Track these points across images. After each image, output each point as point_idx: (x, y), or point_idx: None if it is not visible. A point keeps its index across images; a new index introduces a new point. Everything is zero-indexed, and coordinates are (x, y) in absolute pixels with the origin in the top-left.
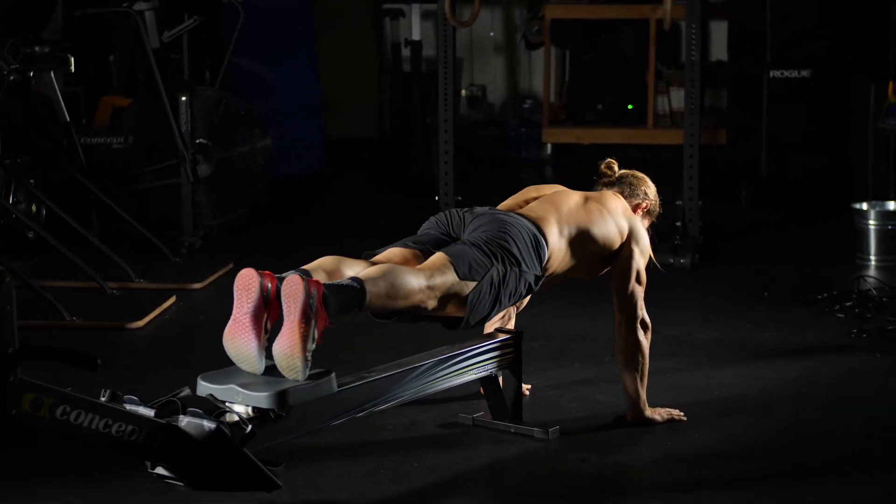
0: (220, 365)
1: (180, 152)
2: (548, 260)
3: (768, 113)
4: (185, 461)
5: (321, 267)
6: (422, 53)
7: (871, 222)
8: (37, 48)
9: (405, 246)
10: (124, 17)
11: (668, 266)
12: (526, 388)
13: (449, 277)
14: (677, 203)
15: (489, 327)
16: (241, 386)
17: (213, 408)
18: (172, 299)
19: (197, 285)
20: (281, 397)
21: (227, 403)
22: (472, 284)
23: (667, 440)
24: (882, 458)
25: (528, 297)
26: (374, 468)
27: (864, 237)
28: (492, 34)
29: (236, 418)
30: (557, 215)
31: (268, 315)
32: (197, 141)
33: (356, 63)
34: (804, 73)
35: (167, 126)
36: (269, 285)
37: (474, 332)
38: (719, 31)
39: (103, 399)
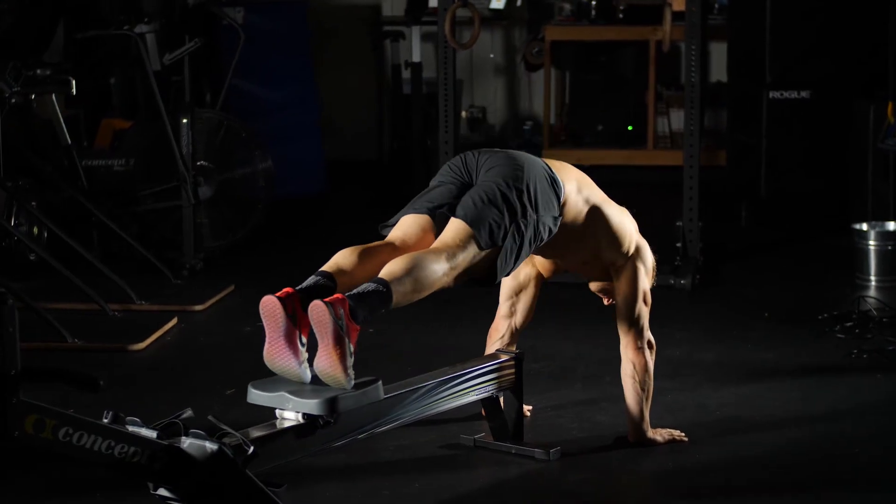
0: (220, 387)
1: (181, 174)
2: (564, 204)
3: (768, 134)
4: (187, 483)
5: (339, 266)
6: (422, 75)
7: (871, 243)
8: (38, 71)
9: (420, 211)
10: (125, 39)
11: (668, 287)
12: (527, 409)
13: (470, 251)
14: (677, 224)
15: (491, 347)
16: (291, 393)
17: (216, 429)
18: (174, 321)
19: (198, 307)
20: (331, 404)
21: (277, 410)
22: (493, 249)
23: (667, 461)
24: (882, 479)
25: (531, 317)
26: (375, 489)
27: (864, 257)
28: (492, 56)
29: (238, 440)
30: (578, 177)
31: (300, 331)
32: (198, 163)
33: (356, 85)
34: (804, 94)
35: (168, 148)
36: (293, 305)
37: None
38: (719, 53)
39: (105, 421)
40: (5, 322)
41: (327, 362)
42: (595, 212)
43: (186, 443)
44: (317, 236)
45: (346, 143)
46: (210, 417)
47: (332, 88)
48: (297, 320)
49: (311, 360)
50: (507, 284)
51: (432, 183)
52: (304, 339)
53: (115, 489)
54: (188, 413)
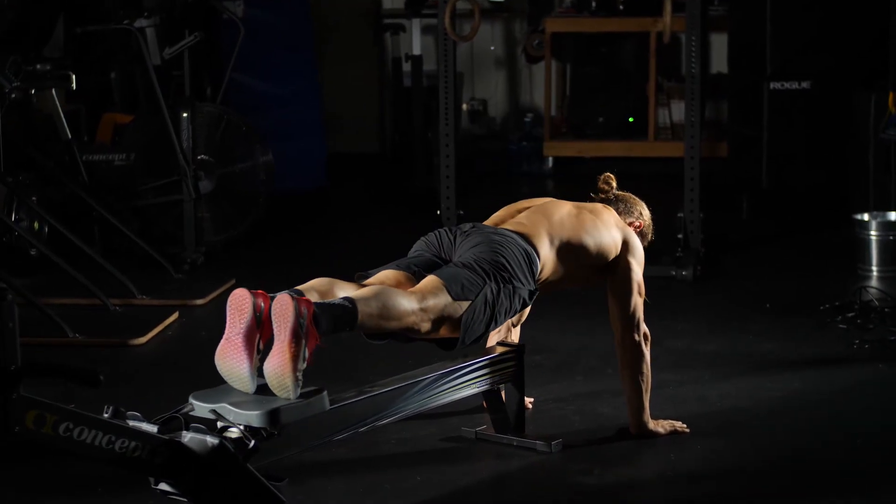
0: (221, 381)
1: (182, 168)
2: (540, 271)
3: (769, 125)
4: (188, 477)
5: (314, 288)
6: (422, 68)
7: (873, 233)
8: (38, 66)
9: (398, 268)
10: (125, 34)
11: (669, 278)
12: (528, 401)
13: (442, 299)
14: (679, 215)
15: (491, 340)
16: (232, 404)
17: (216, 423)
18: (175, 315)
19: (199, 301)
20: (273, 416)
21: (219, 422)
22: (465, 304)
23: (669, 452)
24: (883, 471)
25: (528, 310)
26: (377, 483)
27: (866, 248)
28: (492, 48)
29: (239, 434)
30: (548, 225)
31: (260, 335)
32: (198, 157)
33: (357, 78)
34: (804, 85)
35: (169, 142)
36: (263, 305)
37: (473, 348)
38: (719, 44)
39: (106, 416)
40: (5, 317)
41: (279, 360)
42: (571, 249)
43: (187, 437)
44: (318, 230)
45: (348, 136)
46: (211, 411)
47: (333, 82)
48: (261, 322)
49: (260, 370)
50: None
51: (411, 252)
52: (262, 346)
53: (117, 484)
54: (189, 407)
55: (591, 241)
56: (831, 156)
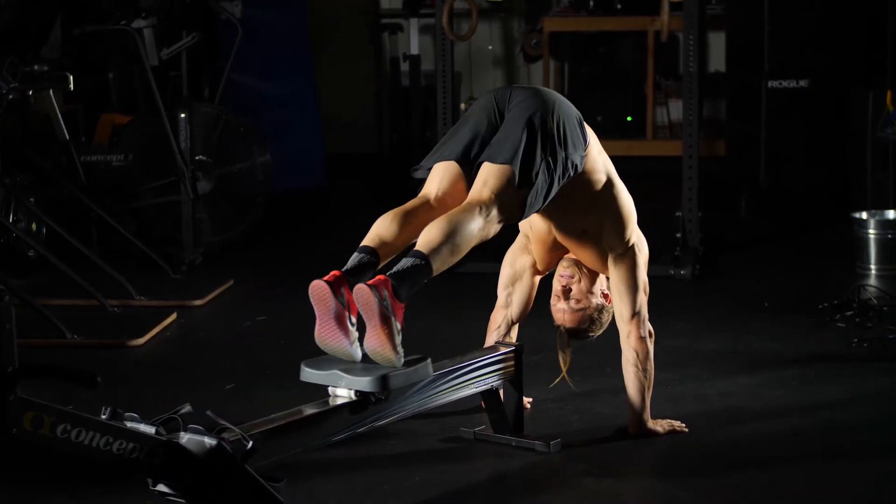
0: (220, 381)
1: (180, 169)
2: (586, 152)
3: (767, 123)
4: (186, 478)
5: (380, 238)
6: (420, 67)
7: (871, 231)
8: (36, 66)
9: (452, 156)
10: (123, 34)
11: (668, 277)
12: (527, 401)
13: (504, 196)
14: (677, 214)
15: (489, 340)
16: (343, 371)
17: (214, 424)
18: (173, 316)
19: (198, 302)
20: (383, 381)
21: (330, 388)
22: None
23: (668, 452)
24: (883, 470)
25: (530, 307)
26: (376, 483)
27: (864, 246)
28: (490, 47)
29: (237, 435)
30: (598, 142)
31: (349, 311)
32: (196, 157)
33: (355, 78)
34: (802, 83)
35: (167, 143)
36: (341, 288)
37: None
38: (717, 42)
39: (104, 417)
40: (2, 319)
41: (376, 342)
42: (609, 183)
43: (185, 438)
44: (316, 230)
45: (346, 136)
46: (209, 412)
47: (331, 82)
48: (345, 302)
49: (360, 339)
50: (504, 273)
51: (464, 118)
52: (354, 320)
53: (116, 485)
54: (187, 408)
55: (622, 195)
56: (829, 154)
